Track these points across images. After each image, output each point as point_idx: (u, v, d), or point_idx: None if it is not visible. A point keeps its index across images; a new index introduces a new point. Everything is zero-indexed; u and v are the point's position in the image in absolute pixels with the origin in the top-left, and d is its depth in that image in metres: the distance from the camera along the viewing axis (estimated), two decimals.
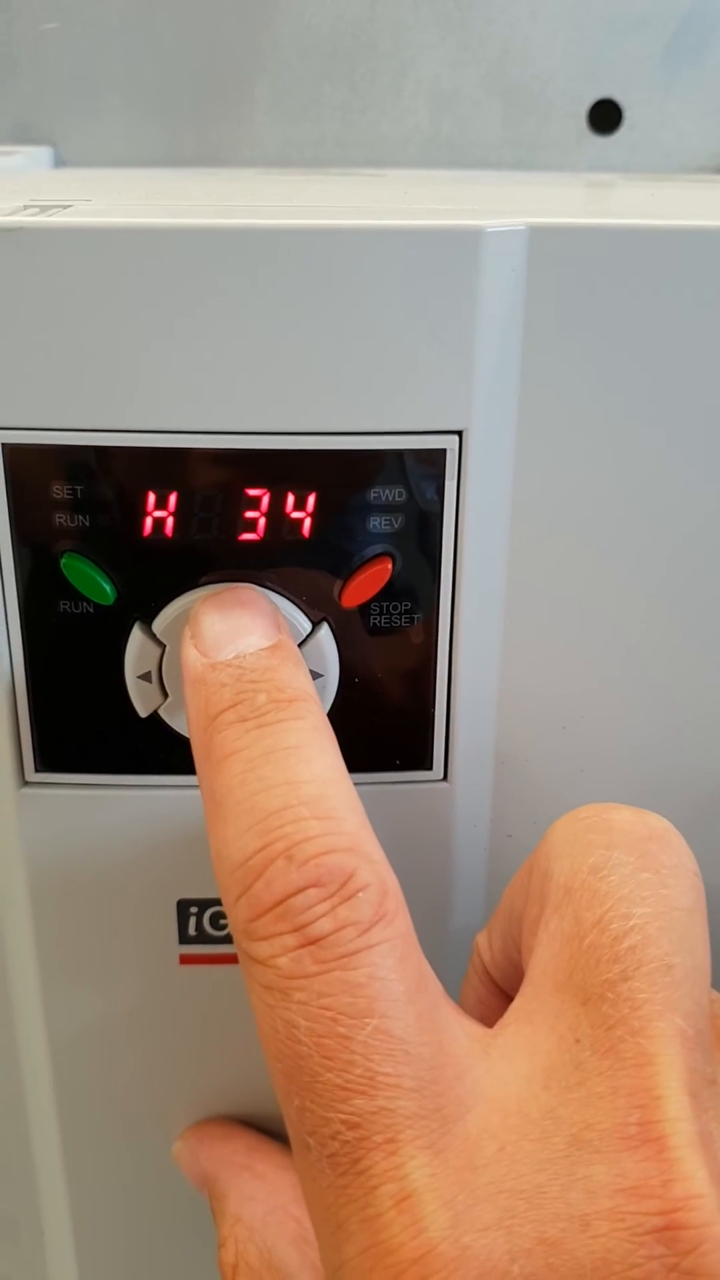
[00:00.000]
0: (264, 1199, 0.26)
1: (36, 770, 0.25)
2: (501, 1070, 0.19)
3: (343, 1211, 0.18)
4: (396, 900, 0.19)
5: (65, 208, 0.23)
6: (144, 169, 0.44)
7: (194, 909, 0.27)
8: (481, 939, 0.25)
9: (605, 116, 0.45)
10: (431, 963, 0.27)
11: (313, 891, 0.19)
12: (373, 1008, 0.18)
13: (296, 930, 0.19)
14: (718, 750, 0.27)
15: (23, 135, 0.44)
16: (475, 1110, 0.18)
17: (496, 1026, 0.20)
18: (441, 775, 0.26)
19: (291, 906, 0.19)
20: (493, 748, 0.26)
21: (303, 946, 0.19)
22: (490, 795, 0.27)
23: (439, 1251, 0.17)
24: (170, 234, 0.21)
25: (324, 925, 0.19)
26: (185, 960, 0.27)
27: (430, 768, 0.26)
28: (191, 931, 0.27)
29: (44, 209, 0.23)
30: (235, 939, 0.20)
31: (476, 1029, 0.20)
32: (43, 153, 0.44)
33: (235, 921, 0.19)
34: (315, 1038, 0.18)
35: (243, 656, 0.21)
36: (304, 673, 0.22)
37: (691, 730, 0.27)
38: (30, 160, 0.42)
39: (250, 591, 0.23)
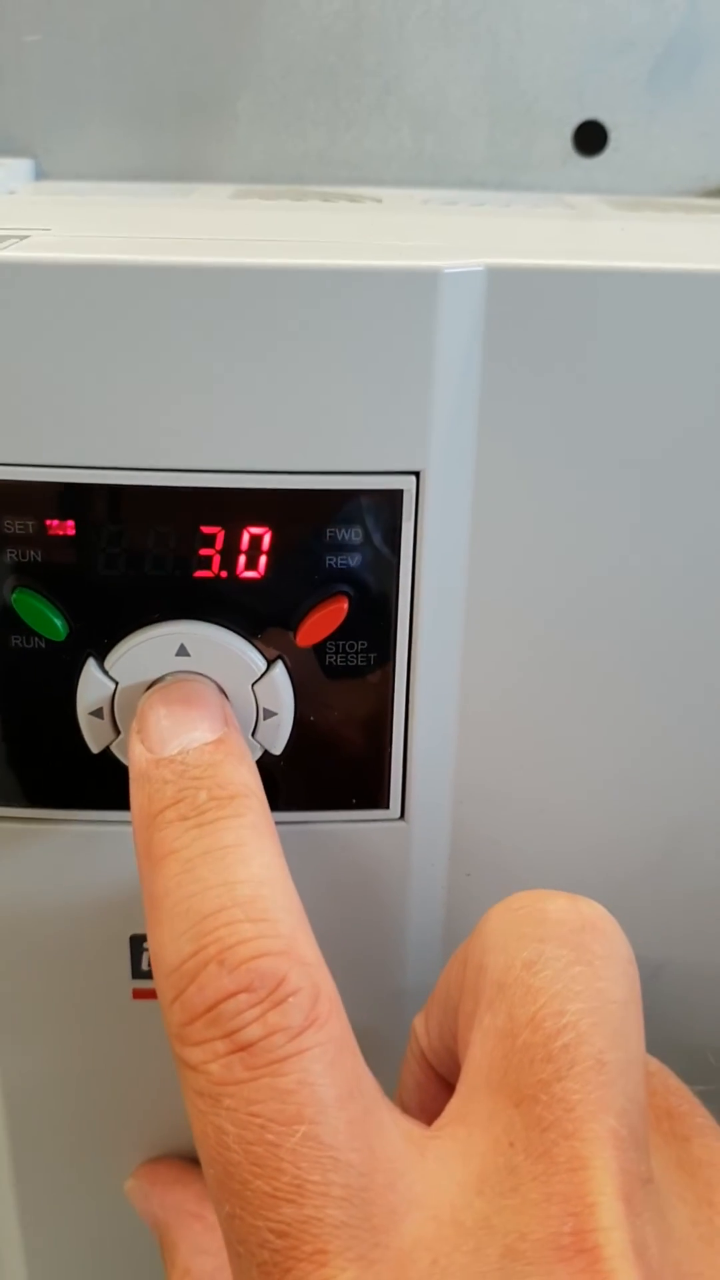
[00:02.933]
0: (215, 1252, 0.26)
1: None
2: (437, 1174, 0.19)
3: None
4: (330, 1004, 0.19)
5: (21, 238, 0.23)
6: (122, 183, 0.44)
7: (147, 945, 0.26)
8: (419, 1023, 0.24)
9: (591, 138, 0.44)
10: (387, 1002, 0.27)
11: (243, 997, 0.19)
12: (301, 1114, 0.18)
13: (227, 1036, 0.18)
14: (678, 791, 0.27)
15: (3, 147, 0.44)
16: (408, 1219, 0.18)
17: (434, 1127, 0.20)
18: (398, 814, 0.26)
19: (222, 1012, 0.18)
20: (451, 786, 0.26)
21: (233, 1053, 0.18)
22: (448, 834, 0.26)
23: None
24: (122, 270, 0.21)
25: (254, 1031, 0.18)
26: (138, 995, 0.27)
27: (387, 806, 0.25)
28: (144, 966, 0.27)
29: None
30: (170, 1043, 0.19)
31: (415, 1130, 0.20)
32: (23, 165, 0.43)
33: (169, 1025, 0.19)
34: (244, 1145, 0.18)
35: (186, 752, 0.21)
36: (248, 768, 0.22)
37: (652, 770, 0.26)
38: (9, 173, 0.41)
39: (199, 685, 0.23)
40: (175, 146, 0.45)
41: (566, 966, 0.20)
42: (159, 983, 0.20)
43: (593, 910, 0.21)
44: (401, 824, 0.26)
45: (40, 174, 0.45)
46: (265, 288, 0.21)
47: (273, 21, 0.43)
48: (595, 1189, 0.17)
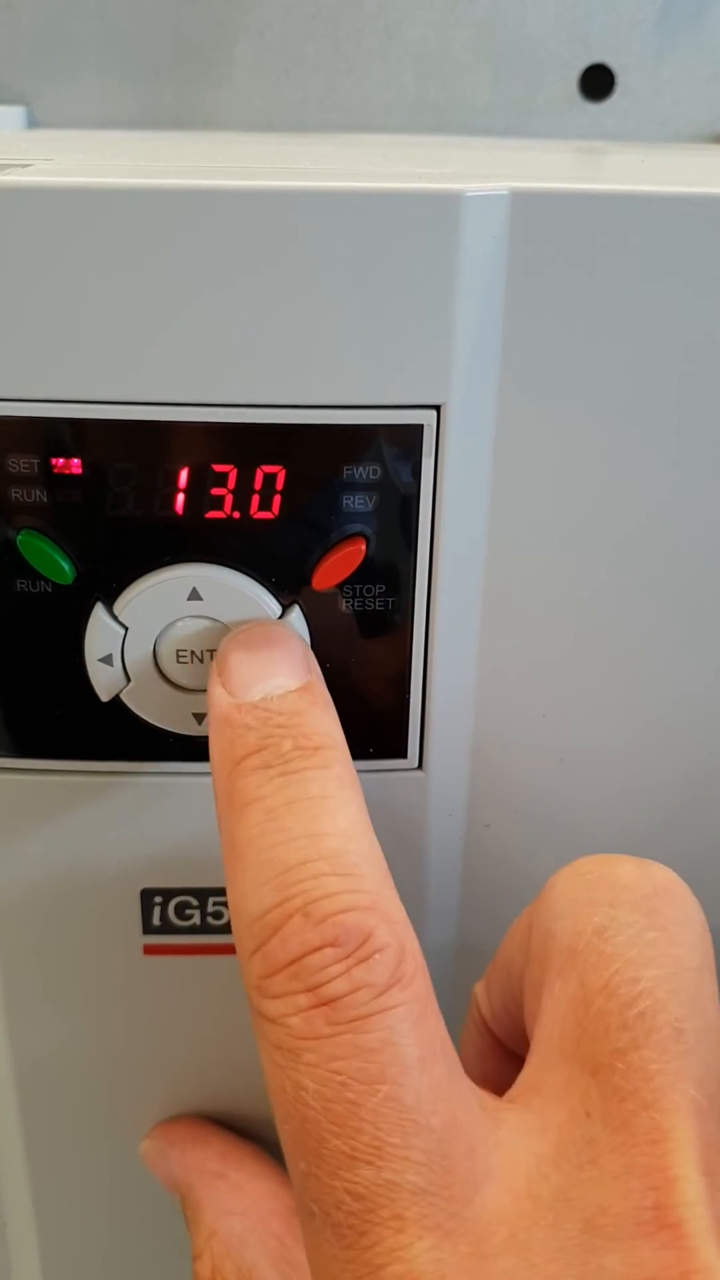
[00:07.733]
0: (242, 1213, 0.25)
1: None
2: (513, 1146, 0.18)
3: None
4: (415, 962, 0.19)
5: (25, 166, 0.22)
6: (118, 130, 0.43)
7: (158, 899, 0.26)
8: (480, 990, 0.24)
9: (597, 82, 0.43)
10: None
11: (329, 951, 0.18)
12: (384, 1074, 0.17)
13: (310, 990, 0.18)
14: (699, 741, 0.26)
15: None
16: (485, 1190, 0.17)
17: (506, 1097, 0.20)
18: (416, 764, 0.25)
19: (306, 965, 0.18)
20: (470, 736, 0.25)
21: (315, 1007, 0.18)
22: (467, 784, 0.26)
23: None
24: (132, 195, 0.20)
25: (338, 986, 0.18)
26: (149, 950, 0.26)
27: (405, 756, 0.25)
28: (155, 921, 0.26)
29: (2, 168, 0.22)
30: (248, 994, 0.19)
31: (489, 1100, 0.19)
32: (15, 113, 0.42)
33: (248, 977, 0.19)
34: (323, 1102, 0.17)
35: (270, 698, 0.21)
36: (332, 717, 0.21)
37: (673, 721, 0.26)
38: (0, 120, 0.40)
39: (281, 628, 0.22)
40: (171, 94, 0.44)
41: (640, 932, 0.19)
42: (238, 933, 0.19)
43: (664, 875, 0.21)
44: (420, 774, 0.25)
45: (33, 122, 0.44)
46: (278, 211, 0.20)
47: None
48: (676, 1162, 0.17)
